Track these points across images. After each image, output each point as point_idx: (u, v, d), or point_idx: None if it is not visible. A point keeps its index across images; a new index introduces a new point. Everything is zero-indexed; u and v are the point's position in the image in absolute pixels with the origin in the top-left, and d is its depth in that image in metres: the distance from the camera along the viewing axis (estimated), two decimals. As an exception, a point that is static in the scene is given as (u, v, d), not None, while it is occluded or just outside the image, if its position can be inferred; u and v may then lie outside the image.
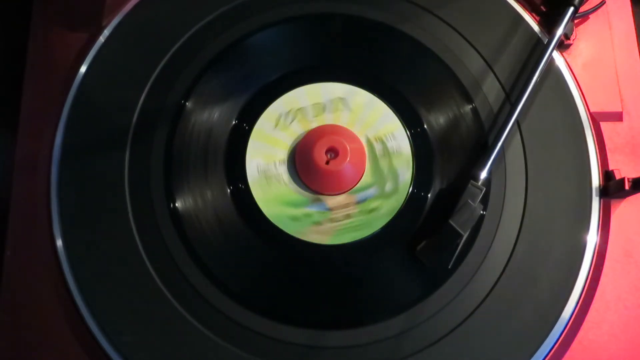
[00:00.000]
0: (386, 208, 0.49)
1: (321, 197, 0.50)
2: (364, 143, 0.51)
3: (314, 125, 0.52)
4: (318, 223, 0.49)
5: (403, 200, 0.49)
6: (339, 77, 0.53)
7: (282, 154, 0.51)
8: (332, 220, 0.49)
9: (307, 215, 0.49)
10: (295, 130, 0.52)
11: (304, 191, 0.50)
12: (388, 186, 0.50)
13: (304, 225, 0.49)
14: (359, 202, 0.50)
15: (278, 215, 0.49)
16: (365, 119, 0.52)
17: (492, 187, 0.50)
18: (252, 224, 0.49)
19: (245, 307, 0.47)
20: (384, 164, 0.51)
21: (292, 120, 0.52)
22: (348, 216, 0.49)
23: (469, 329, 0.46)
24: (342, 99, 0.52)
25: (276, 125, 0.51)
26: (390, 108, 0.52)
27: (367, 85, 0.53)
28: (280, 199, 0.50)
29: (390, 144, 0.51)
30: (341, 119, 0.52)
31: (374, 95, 0.52)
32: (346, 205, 0.50)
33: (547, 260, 0.48)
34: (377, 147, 0.51)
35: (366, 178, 0.51)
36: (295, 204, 0.50)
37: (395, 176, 0.50)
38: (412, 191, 0.50)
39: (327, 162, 0.49)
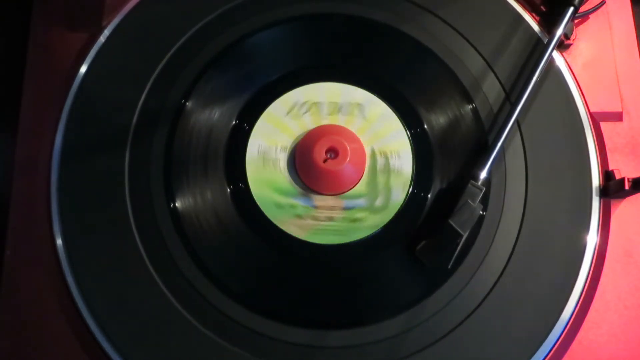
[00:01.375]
0: (370, 222, 0.49)
1: (311, 193, 0.50)
2: (368, 154, 0.51)
3: (325, 122, 0.52)
4: (299, 216, 0.49)
5: (388, 219, 0.49)
6: (338, 77, 0.53)
7: (286, 141, 0.51)
8: (314, 217, 0.49)
9: (292, 206, 0.50)
10: (306, 123, 0.52)
11: (295, 183, 0.50)
12: (378, 201, 0.50)
13: (285, 215, 0.49)
14: (345, 208, 0.50)
15: (264, 198, 0.50)
16: (377, 131, 0.52)
17: (492, 187, 0.50)
18: (252, 224, 0.49)
19: (245, 307, 0.47)
20: (381, 179, 0.50)
21: (306, 112, 0.51)
22: (330, 219, 0.49)
23: (469, 329, 0.46)
24: (359, 105, 0.52)
25: (289, 112, 0.51)
26: (390, 108, 0.52)
27: (367, 85, 0.53)
28: (271, 184, 0.50)
29: (393, 162, 0.51)
30: (353, 124, 0.52)
31: (386, 103, 0.52)
32: (332, 208, 0.50)
33: (547, 261, 0.48)
34: (380, 161, 0.51)
35: (360, 187, 0.50)
36: (284, 193, 0.50)
37: (388, 194, 0.50)
38: (412, 191, 0.50)
39: (325, 161, 0.49)
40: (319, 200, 0.50)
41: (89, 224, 0.49)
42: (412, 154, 0.51)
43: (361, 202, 0.50)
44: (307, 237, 0.49)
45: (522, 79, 0.52)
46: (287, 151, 0.51)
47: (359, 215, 0.49)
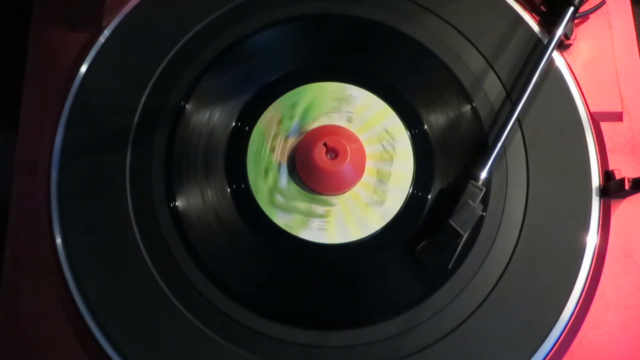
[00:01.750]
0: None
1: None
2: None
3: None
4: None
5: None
6: (339, 77, 0.53)
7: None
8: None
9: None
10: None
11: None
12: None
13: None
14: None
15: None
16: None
17: (493, 188, 0.50)
18: (252, 224, 0.49)
19: (246, 307, 0.47)
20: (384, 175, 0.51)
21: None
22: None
23: (469, 329, 0.46)
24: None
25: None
26: (390, 108, 0.52)
27: (367, 85, 0.53)
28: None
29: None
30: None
31: (386, 103, 0.52)
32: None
33: (547, 260, 0.48)
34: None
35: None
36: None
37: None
38: (412, 191, 0.50)
39: (326, 155, 0.49)
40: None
41: (89, 224, 0.49)
42: (413, 154, 0.51)
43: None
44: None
45: (522, 79, 0.52)
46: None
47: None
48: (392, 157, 0.51)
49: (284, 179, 0.51)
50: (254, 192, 0.50)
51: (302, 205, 0.50)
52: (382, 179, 0.50)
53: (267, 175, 0.51)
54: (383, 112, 0.52)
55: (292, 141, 0.52)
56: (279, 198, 0.50)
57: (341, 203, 0.50)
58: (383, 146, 0.51)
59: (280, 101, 0.52)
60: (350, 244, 0.49)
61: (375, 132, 0.52)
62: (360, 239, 0.49)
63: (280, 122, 0.52)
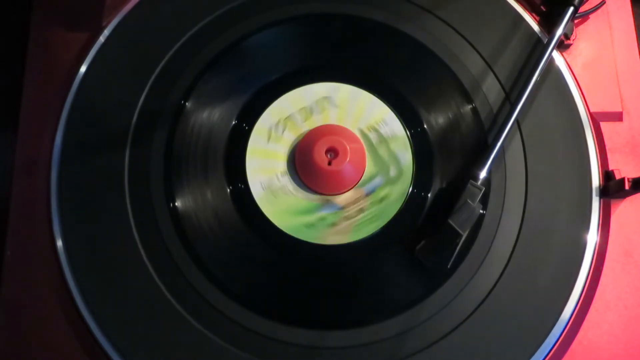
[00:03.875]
0: (396, 193, 0.50)
1: (330, 197, 0.50)
2: (358, 136, 0.51)
3: (305, 130, 0.52)
4: (334, 224, 0.49)
5: (409, 182, 0.50)
6: (338, 77, 0.53)
7: (282, 165, 0.51)
8: (347, 218, 0.49)
9: (322, 219, 0.49)
10: (288, 139, 0.52)
11: (312, 195, 0.50)
12: (392, 171, 0.50)
13: (322, 230, 0.49)
14: (368, 194, 0.50)
15: (294, 226, 0.49)
16: (354, 112, 0.52)
17: (492, 187, 0.50)
18: (252, 224, 0.49)
19: (246, 308, 0.47)
20: (382, 151, 0.51)
21: (283, 130, 0.52)
22: (361, 210, 0.50)
23: (469, 329, 0.46)
24: (326, 98, 0.52)
25: (269, 139, 0.51)
26: (390, 108, 0.52)
27: (366, 85, 0.53)
28: (291, 210, 0.50)
29: (384, 130, 0.51)
30: (330, 118, 0.52)
31: (386, 103, 0.52)
32: (357, 200, 0.50)
33: (547, 260, 0.48)
34: (372, 137, 0.51)
35: (369, 169, 0.51)
36: (308, 211, 0.50)
37: (396, 160, 0.51)
38: (412, 191, 0.50)
39: (330, 163, 0.49)
40: (341, 200, 0.50)
41: (89, 224, 0.49)
42: (412, 154, 0.51)
43: (378, 180, 0.50)
44: (351, 238, 0.49)
45: (522, 79, 0.52)
46: (288, 173, 0.51)
47: (383, 193, 0.50)
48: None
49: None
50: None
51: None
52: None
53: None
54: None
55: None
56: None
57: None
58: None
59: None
60: (351, 244, 0.49)
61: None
62: (359, 240, 0.49)
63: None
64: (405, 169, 0.50)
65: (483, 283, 0.47)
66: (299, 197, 0.50)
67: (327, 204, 0.50)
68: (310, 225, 0.49)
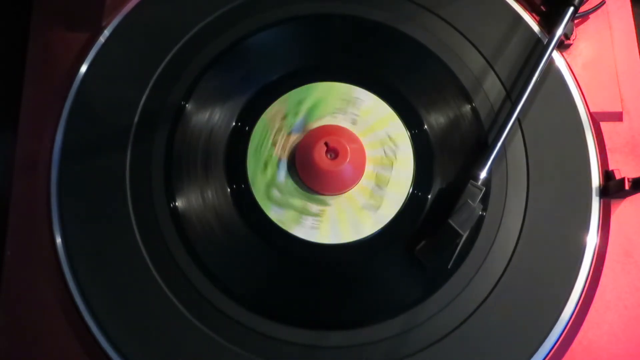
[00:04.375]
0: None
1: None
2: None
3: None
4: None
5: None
6: (339, 77, 0.53)
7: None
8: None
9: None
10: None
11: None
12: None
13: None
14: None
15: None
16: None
17: (493, 187, 0.50)
18: (252, 224, 0.49)
19: (246, 307, 0.47)
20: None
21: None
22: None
23: (469, 329, 0.46)
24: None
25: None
26: (391, 108, 0.52)
27: (367, 85, 0.53)
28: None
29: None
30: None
31: (386, 103, 0.52)
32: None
33: (547, 261, 0.48)
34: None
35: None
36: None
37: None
38: (412, 191, 0.50)
39: (328, 159, 0.49)
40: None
41: (89, 224, 0.49)
42: (413, 153, 0.51)
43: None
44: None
45: (522, 78, 0.52)
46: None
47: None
48: (392, 163, 0.51)
49: (282, 174, 0.51)
50: (251, 184, 0.50)
51: (297, 202, 0.50)
52: (380, 184, 0.50)
53: (266, 169, 0.51)
54: (388, 118, 0.52)
55: (294, 138, 0.52)
56: (276, 193, 0.50)
57: (336, 204, 0.50)
58: (384, 151, 0.51)
59: (286, 97, 0.52)
60: (351, 244, 0.49)
61: (378, 136, 0.51)
62: (359, 240, 0.49)
63: (284, 117, 0.52)
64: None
65: (483, 283, 0.47)
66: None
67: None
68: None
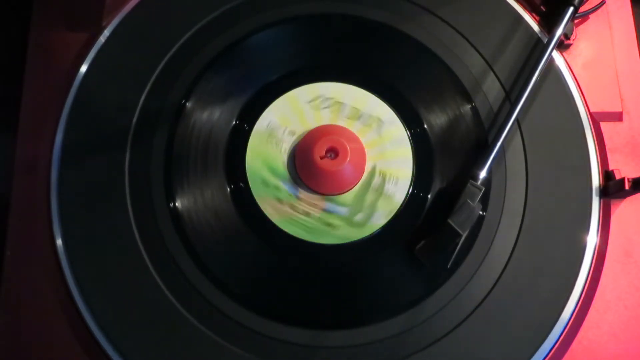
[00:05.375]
0: (341, 232, 0.49)
1: (299, 184, 0.50)
2: (368, 169, 0.50)
3: (340, 123, 0.52)
4: (280, 200, 0.50)
5: (360, 237, 0.49)
6: (338, 77, 0.53)
7: (297, 127, 0.51)
8: (292, 207, 0.49)
9: (277, 188, 0.50)
10: (323, 117, 0.52)
11: (289, 169, 0.50)
12: (359, 217, 0.49)
13: (267, 194, 0.50)
14: (325, 210, 0.50)
15: (255, 171, 0.50)
16: (386, 151, 0.51)
17: (492, 187, 0.50)
18: (252, 224, 0.49)
19: (245, 307, 0.47)
20: (370, 197, 0.50)
21: (326, 108, 0.52)
22: (307, 214, 0.49)
23: (468, 329, 0.46)
24: (379, 120, 0.52)
25: (312, 101, 0.52)
26: (391, 108, 0.52)
27: (366, 85, 0.53)
28: (266, 160, 0.51)
29: (388, 187, 0.50)
30: (365, 136, 0.51)
31: (386, 103, 0.52)
32: (313, 205, 0.50)
33: (547, 261, 0.48)
34: (376, 180, 0.50)
35: (347, 197, 0.50)
36: (275, 173, 0.50)
37: (370, 213, 0.50)
38: (412, 191, 0.50)
39: (322, 158, 0.48)
40: (304, 193, 0.50)
41: (89, 224, 0.49)
42: (412, 153, 0.51)
43: (343, 210, 0.50)
44: (278, 222, 0.49)
45: (522, 78, 0.52)
46: (295, 135, 0.51)
47: (334, 221, 0.49)
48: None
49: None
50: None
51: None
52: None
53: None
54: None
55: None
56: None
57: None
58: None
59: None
60: (351, 244, 0.49)
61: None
62: (359, 239, 0.49)
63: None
64: (367, 227, 0.49)
65: (483, 283, 0.47)
66: (282, 159, 0.51)
67: (293, 183, 0.50)
68: (265, 183, 0.50)
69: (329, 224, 0.49)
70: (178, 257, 0.48)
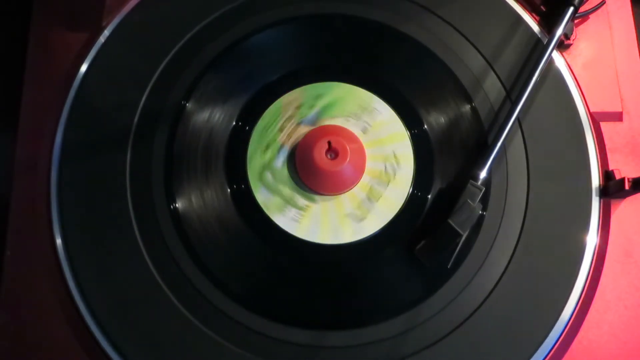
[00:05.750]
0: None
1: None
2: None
3: (305, 130, 0.51)
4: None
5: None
6: (338, 77, 0.53)
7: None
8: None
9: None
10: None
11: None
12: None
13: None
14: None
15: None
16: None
17: (493, 187, 0.50)
18: (252, 224, 0.49)
19: (246, 307, 0.47)
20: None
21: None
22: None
23: (469, 329, 0.46)
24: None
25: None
26: (391, 108, 0.52)
27: (367, 85, 0.53)
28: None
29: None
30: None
31: (386, 103, 0.52)
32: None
33: (547, 261, 0.48)
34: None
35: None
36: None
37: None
38: (412, 191, 0.50)
39: (328, 159, 0.48)
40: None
41: (89, 224, 0.49)
42: (413, 154, 0.51)
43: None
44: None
45: (522, 78, 0.52)
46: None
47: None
48: (389, 181, 0.51)
49: (280, 161, 0.51)
50: (248, 161, 0.50)
51: (286, 191, 0.50)
52: (371, 197, 0.50)
53: (266, 151, 0.51)
54: (399, 135, 0.52)
55: (302, 128, 0.52)
56: (269, 176, 0.50)
57: (323, 204, 0.50)
58: (385, 167, 0.51)
59: (307, 87, 0.53)
60: (351, 244, 0.49)
61: (384, 151, 0.51)
62: (359, 240, 0.49)
63: (299, 107, 0.52)
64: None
65: (483, 283, 0.47)
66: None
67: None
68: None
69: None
70: (178, 258, 0.48)
